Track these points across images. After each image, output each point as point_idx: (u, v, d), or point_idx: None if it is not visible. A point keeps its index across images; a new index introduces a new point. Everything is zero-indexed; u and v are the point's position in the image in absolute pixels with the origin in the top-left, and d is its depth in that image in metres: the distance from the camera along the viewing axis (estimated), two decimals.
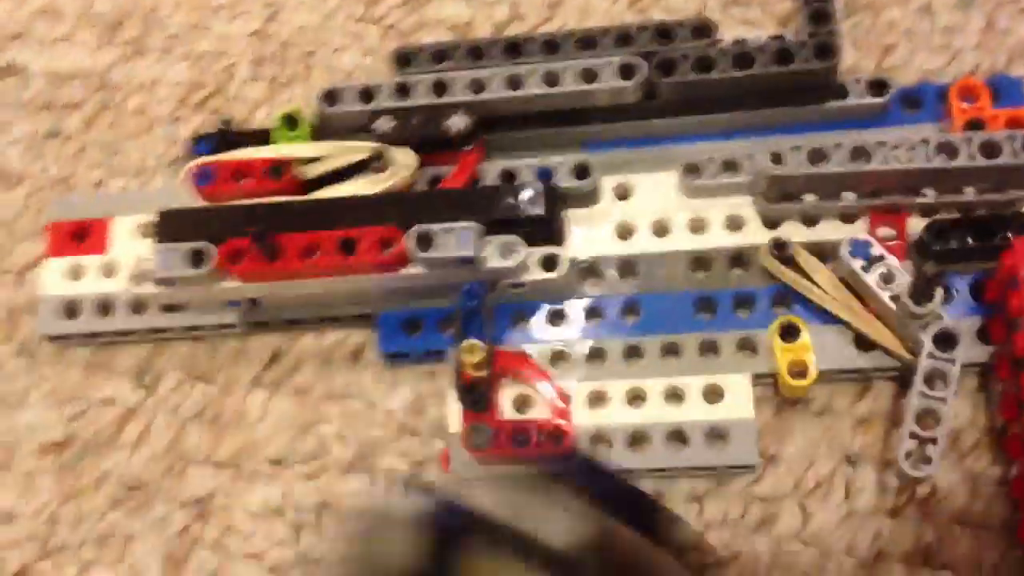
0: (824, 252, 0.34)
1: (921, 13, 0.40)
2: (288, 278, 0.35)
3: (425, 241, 0.34)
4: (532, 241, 0.35)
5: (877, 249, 0.32)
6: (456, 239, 0.34)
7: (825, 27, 0.36)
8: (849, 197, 0.33)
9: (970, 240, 0.32)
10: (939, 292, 0.30)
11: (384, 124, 0.37)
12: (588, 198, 0.36)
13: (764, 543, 0.33)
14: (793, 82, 0.35)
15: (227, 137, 0.39)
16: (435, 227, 0.34)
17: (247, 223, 0.34)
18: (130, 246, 0.38)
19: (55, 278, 0.39)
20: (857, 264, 0.32)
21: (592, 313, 0.36)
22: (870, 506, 0.33)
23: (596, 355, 0.35)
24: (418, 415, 0.36)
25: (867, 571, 0.32)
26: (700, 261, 0.36)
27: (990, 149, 0.31)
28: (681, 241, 0.36)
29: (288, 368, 0.38)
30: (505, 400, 0.34)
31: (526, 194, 0.34)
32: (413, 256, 0.34)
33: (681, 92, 0.36)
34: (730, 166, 0.35)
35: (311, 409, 0.37)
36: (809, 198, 0.34)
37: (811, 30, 0.36)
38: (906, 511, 0.33)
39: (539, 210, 0.34)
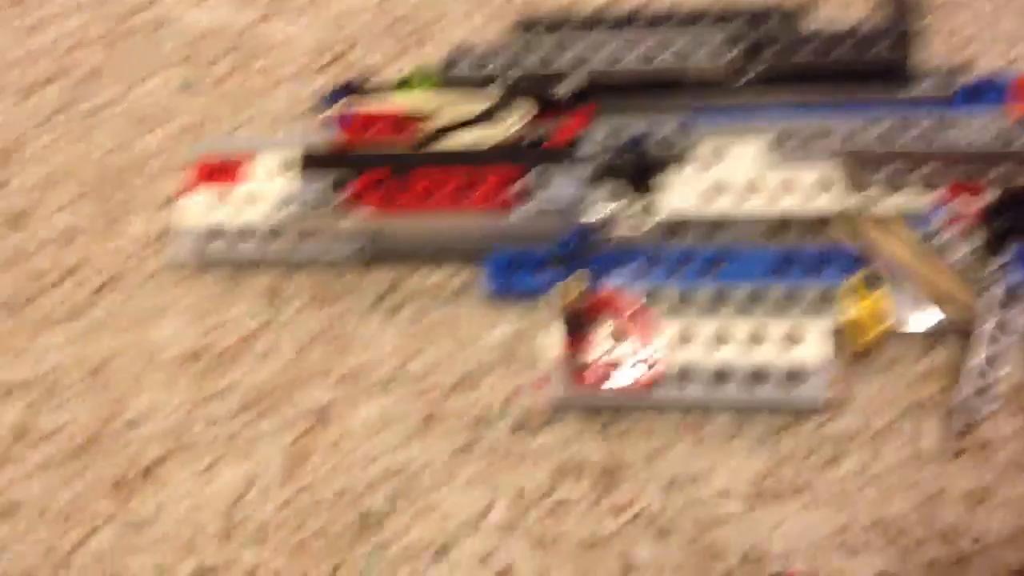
0: (905, 217, 0.37)
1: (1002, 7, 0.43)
2: (411, 212, 0.39)
3: (534, 188, 0.38)
4: (629, 194, 0.39)
5: (954, 213, 0.35)
6: (562, 188, 0.38)
7: (905, 17, 0.40)
8: (929, 169, 0.37)
9: None
10: (1012, 247, 0.33)
11: (501, 84, 0.41)
12: (682, 159, 0.40)
13: (832, 478, 0.37)
14: (870, 68, 0.39)
15: (357, 92, 0.44)
16: (544, 175, 0.38)
17: (380, 163, 0.39)
18: (270, 180, 0.43)
19: (197, 208, 0.44)
20: (935, 226, 0.35)
21: (681, 263, 0.39)
22: (934, 450, 0.36)
23: (685, 299, 0.38)
24: (519, 346, 0.40)
25: (928, 506, 0.35)
26: (785, 224, 0.39)
27: None
28: (767, 204, 0.39)
29: (401, 299, 0.42)
30: (599, 337, 0.38)
31: (626, 149, 0.38)
32: (522, 202, 0.38)
33: (769, 72, 0.40)
34: (818, 136, 0.39)
35: (420, 336, 0.41)
36: (892, 172, 0.37)
37: (892, 18, 0.40)
38: (967, 454, 0.36)
39: (638, 165, 0.38)
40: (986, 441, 0.36)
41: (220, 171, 0.44)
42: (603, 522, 0.37)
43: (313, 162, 0.40)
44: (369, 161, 0.39)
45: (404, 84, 0.42)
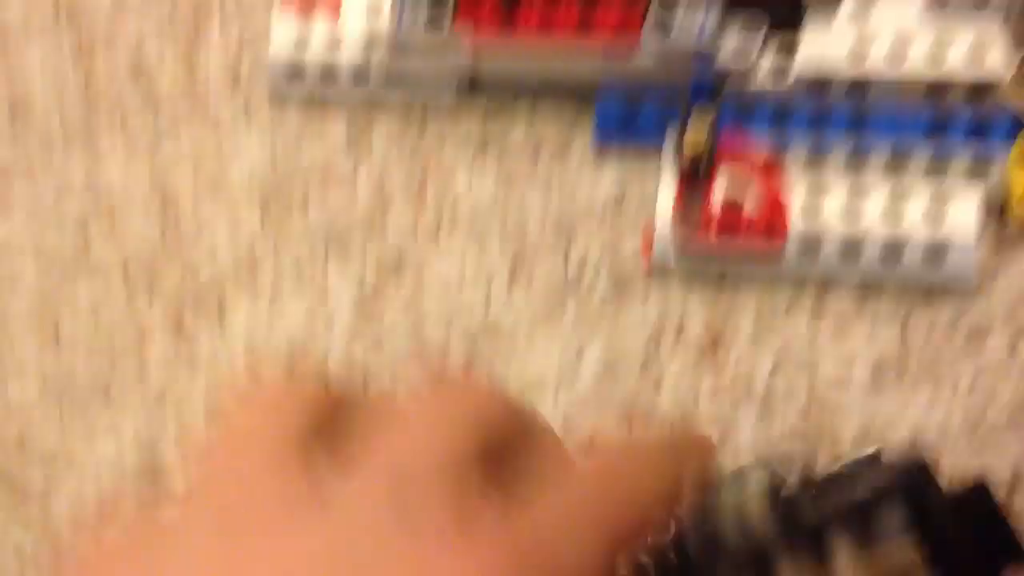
0: None
1: None
2: (519, 42, 0.35)
3: (664, 27, 0.34)
4: (768, 36, 0.35)
5: None
6: (696, 26, 0.34)
7: None
8: None
9: None
10: None
11: None
12: (827, 8, 0.36)
13: (968, 369, 0.33)
14: None
15: None
16: (677, 9, 0.34)
17: None
18: (361, 18, 0.39)
19: (283, 42, 0.40)
20: None
21: (818, 119, 0.35)
22: None
23: (818, 159, 0.34)
24: (623, 203, 0.37)
25: None
26: (938, 87, 0.35)
27: None
28: (919, 65, 0.35)
29: (499, 146, 0.38)
30: (721, 188, 0.34)
31: None
32: (646, 36, 0.34)
33: None
34: None
35: (516, 191, 0.38)
36: None
37: None
38: None
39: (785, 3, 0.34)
40: None
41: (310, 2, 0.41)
42: (700, 396, 0.33)
43: None
44: None
45: None
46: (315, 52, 0.40)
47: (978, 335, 0.33)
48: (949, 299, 0.33)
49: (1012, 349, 0.32)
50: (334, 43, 0.40)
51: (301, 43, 0.40)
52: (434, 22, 0.36)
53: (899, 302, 0.33)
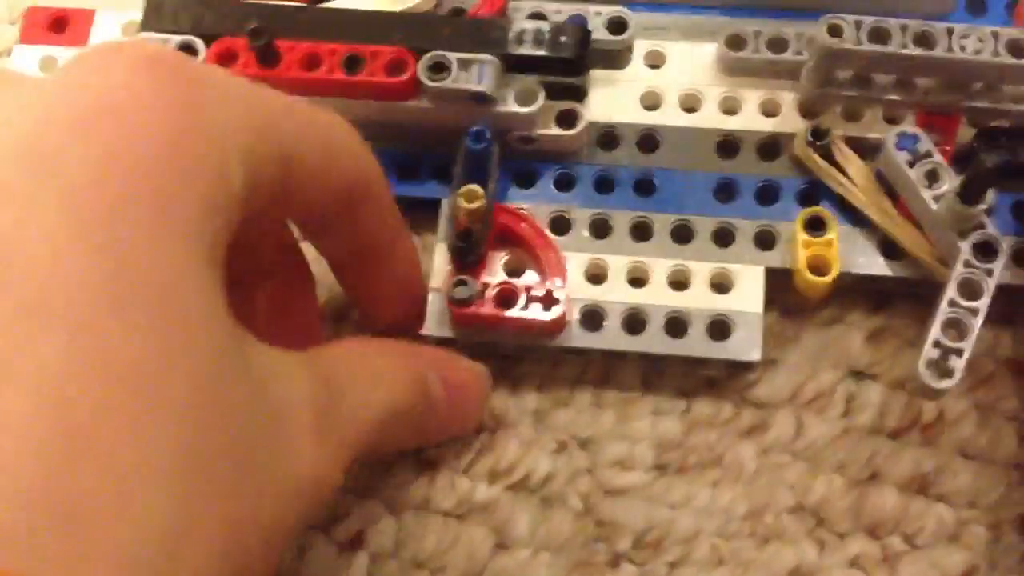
0: (864, 151, 0.32)
1: None
2: (283, 90, 0.32)
3: (439, 69, 0.31)
4: (551, 91, 0.32)
5: (925, 144, 0.29)
6: (474, 71, 0.31)
7: None
8: (899, 91, 0.31)
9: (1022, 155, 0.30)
10: (990, 193, 0.27)
11: None
12: (618, 59, 0.33)
13: (751, 450, 0.31)
14: None
15: None
16: (452, 55, 0.31)
17: (246, 22, 0.31)
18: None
19: (26, 69, 0.35)
20: (902, 158, 0.29)
21: (603, 183, 0.33)
22: (870, 425, 0.31)
23: (601, 227, 0.32)
24: None
25: (858, 492, 0.30)
26: (728, 144, 0.33)
27: None
28: (710, 119, 0.33)
29: None
30: (497, 261, 0.31)
31: (555, 34, 0.31)
32: (424, 84, 0.31)
33: None
34: (777, 44, 0.32)
35: None
36: (855, 92, 0.31)
37: None
38: (908, 435, 0.31)
39: (567, 52, 0.31)
40: (931, 421, 0.31)
41: (55, 25, 0.35)
42: (478, 486, 0.31)
43: (159, 17, 0.32)
44: (235, 19, 0.31)
45: None
46: None
47: (764, 414, 0.31)
48: (734, 379, 0.31)
49: (793, 438, 0.31)
50: None
51: (46, 71, 0.35)
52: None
53: (684, 379, 0.31)
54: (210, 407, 0.19)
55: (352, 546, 0.30)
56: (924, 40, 0.29)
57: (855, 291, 0.32)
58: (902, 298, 0.32)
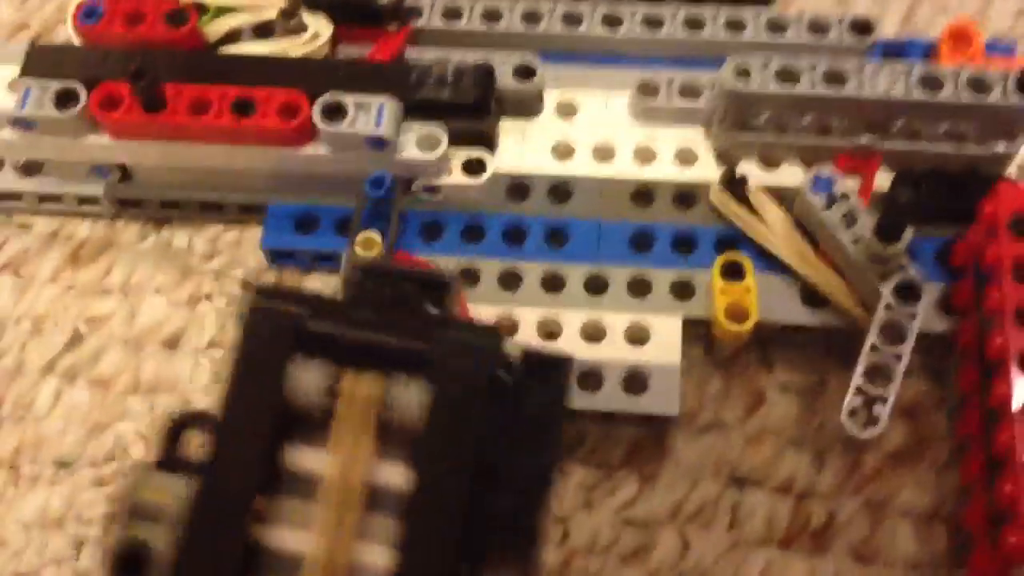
0: (780, 199, 0.30)
1: None
2: (170, 137, 0.30)
3: (335, 113, 0.29)
4: (457, 139, 0.30)
5: (841, 187, 0.28)
6: (371, 115, 0.29)
7: None
8: (814, 134, 0.30)
9: (943, 197, 0.29)
10: (908, 232, 0.26)
11: None
12: (528, 107, 0.32)
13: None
14: None
15: None
16: (348, 98, 0.29)
17: (129, 66, 0.29)
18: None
19: None
20: (818, 201, 0.28)
21: (513, 234, 0.31)
22: (759, 535, 0.28)
23: (511, 280, 0.30)
24: None
25: None
26: (642, 193, 0.31)
27: (978, 86, 0.28)
28: (624, 169, 0.32)
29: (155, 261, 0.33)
30: None
31: (457, 77, 0.30)
32: (319, 129, 0.29)
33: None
34: (689, 91, 0.32)
35: (174, 307, 0.32)
36: (769, 138, 0.31)
37: None
38: (799, 541, 0.28)
39: (469, 98, 0.30)
40: (822, 524, 0.28)
41: None
42: None
43: (40, 63, 0.30)
44: (119, 65, 0.30)
45: None
46: None
47: (647, 534, 0.29)
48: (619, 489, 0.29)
49: (680, 546, 0.28)
50: None
51: None
52: (60, 109, 0.30)
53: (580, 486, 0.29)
54: None
55: None
56: (835, 78, 0.28)
57: (778, 335, 0.30)
58: (830, 338, 0.30)
